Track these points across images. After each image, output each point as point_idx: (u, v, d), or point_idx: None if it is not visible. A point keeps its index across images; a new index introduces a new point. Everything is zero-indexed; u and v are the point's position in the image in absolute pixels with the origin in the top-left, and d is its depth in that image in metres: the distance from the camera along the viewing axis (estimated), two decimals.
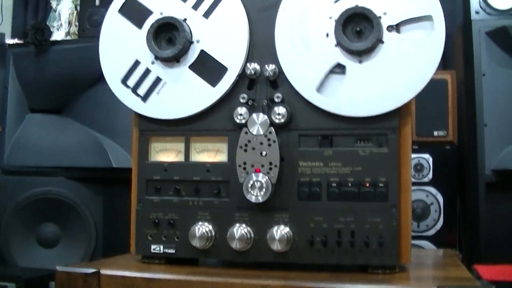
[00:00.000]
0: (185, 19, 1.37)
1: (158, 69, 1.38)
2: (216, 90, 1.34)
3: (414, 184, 2.61)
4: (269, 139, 1.29)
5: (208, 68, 1.35)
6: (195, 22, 1.37)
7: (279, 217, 1.31)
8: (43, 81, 2.84)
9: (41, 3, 4.04)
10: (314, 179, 1.30)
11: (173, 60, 1.36)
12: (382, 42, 1.26)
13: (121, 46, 1.41)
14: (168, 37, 1.37)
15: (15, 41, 3.05)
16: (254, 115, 1.30)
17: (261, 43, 1.34)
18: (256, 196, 1.28)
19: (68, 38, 3.00)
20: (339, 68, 1.29)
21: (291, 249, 1.29)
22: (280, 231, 1.29)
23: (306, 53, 1.29)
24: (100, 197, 2.80)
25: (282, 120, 1.30)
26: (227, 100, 1.34)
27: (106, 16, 1.43)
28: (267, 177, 1.28)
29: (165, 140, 1.39)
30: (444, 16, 1.26)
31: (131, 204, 1.40)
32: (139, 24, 1.40)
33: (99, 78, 2.64)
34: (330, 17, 1.29)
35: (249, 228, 1.31)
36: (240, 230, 1.30)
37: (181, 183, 1.37)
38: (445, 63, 3.13)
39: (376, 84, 1.26)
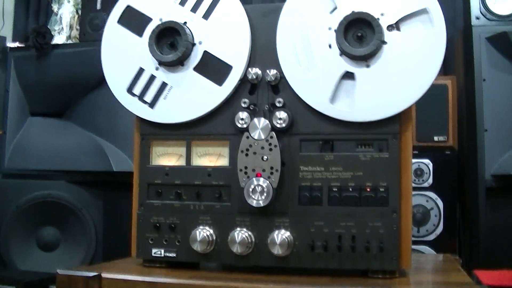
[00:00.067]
0: (185, 23, 1.37)
1: (162, 75, 1.38)
2: (223, 89, 1.35)
3: (414, 189, 2.60)
4: (270, 144, 1.30)
5: (213, 68, 1.36)
6: (195, 24, 1.38)
7: (280, 221, 1.31)
8: (44, 84, 2.84)
9: (43, 6, 4.05)
10: (315, 184, 1.31)
11: (177, 64, 1.37)
12: (385, 42, 1.27)
13: (123, 56, 1.41)
14: (170, 42, 1.38)
15: (17, 44, 3.06)
16: (255, 119, 1.31)
17: (263, 48, 1.35)
18: (257, 200, 1.29)
19: (69, 42, 3.00)
20: (347, 76, 1.29)
21: (291, 253, 1.30)
22: (281, 235, 1.29)
23: (313, 69, 1.30)
24: (100, 201, 2.80)
25: (283, 125, 1.30)
26: (229, 105, 1.35)
27: (105, 28, 1.44)
28: (268, 182, 1.29)
29: (167, 144, 1.40)
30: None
31: (132, 208, 1.41)
32: (139, 32, 1.41)
33: (100, 82, 2.65)
34: (330, 28, 1.30)
35: (250, 232, 1.32)
36: (241, 234, 1.31)
37: (182, 187, 1.37)
38: (445, 69, 3.13)
39: (381, 88, 1.27)
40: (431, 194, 2.78)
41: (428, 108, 2.81)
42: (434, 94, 2.81)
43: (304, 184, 1.31)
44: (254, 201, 1.29)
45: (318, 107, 1.29)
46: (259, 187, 1.28)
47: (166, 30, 1.37)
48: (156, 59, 1.37)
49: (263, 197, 1.28)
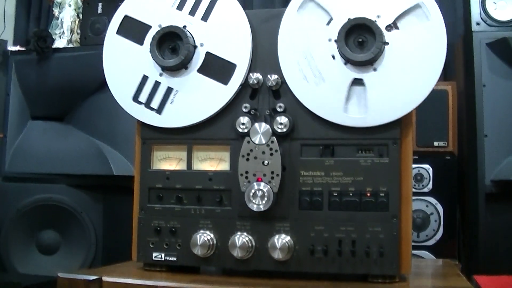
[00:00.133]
0: (184, 26, 1.38)
1: (167, 80, 1.39)
2: (229, 88, 1.35)
3: (414, 194, 2.59)
4: (271, 149, 1.30)
5: (217, 68, 1.37)
6: (195, 27, 1.38)
7: (280, 225, 1.31)
8: (45, 88, 2.84)
9: (44, 10, 4.06)
10: (315, 189, 1.31)
11: (181, 68, 1.37)
12: (387, 43, 1.28)
13: (126, 66, 1.42)
14: (172, 47, 1.38)
15: (18, 48, 3.05)
16: (256, 124, 1.31)
17: (264, 53, 1.35)
18: (257, 204, 1.29)
19: (70, 45, 3.00)
20: (355, 82, 1.30)
21: (292, 257, 1.30)
22: (281, 239, 1.29)
23: (321, 83, 1.30)
24: (101, 205, 2.79)
25: (284, 130, 1.31)
26: (230, 110, 1.35)
27: (105, 39, 1.45)
28: (268, 186, 1.29)
29: (168, 148, 1.40)
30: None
31: (132, 212, 1.41)
32: (139, 40, 1.42)
33: (101, 86, 2.65)
34: (329, 39, 1.31)
35: (250, 237, 1.32)
36: (241, 238, 1.31)
37: (183, 191, 1.38)
38: (446, 74, 3.13)
39: (391, 89, 1.28)
40: (431, 199, 2.78)
41: (428, 113, 2.81)
42: (434, 99, 2.81)
43: (304, 189, 1.31)
44: (255, 206, 1.29)
45: (333, 119, 1.30)
46: (260, 192, 1.29)
47: (166, 35, 1.38)
48: (159, 65, 1.38)
49: (263, 202, 1.29)
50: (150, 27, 1.41)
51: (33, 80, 2.87)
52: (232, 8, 1.38)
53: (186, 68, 1.38)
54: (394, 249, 1.26)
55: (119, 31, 1.44)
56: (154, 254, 1.38)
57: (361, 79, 1.29)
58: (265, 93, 1.34)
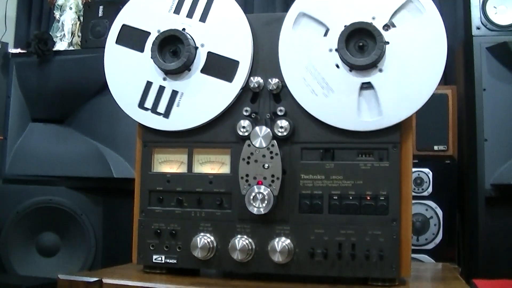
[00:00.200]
0: (183, 29, 1.39)
1: (171, 83, 1.39)
2: (234, 85, 1.36)
3: (413, 198, 2.60)
4: (271, 152, 1.30)
5: (220, 67, 1.37)
6: (194, 29, 1.39)
7: (281, 229, 1.32)
8: (46, 90, 2.84)
9: (44, 13, 4.05)
10: (315, 192, 1.31)
11: (184, 70, 1.38)
12: (387, 42, 1.28)
13: (129, 74, 1.43)
14: (172, 50, 1.39)
15: (18, 50, 3.05)
16: (257, 128, 1.32)
17: (265, 57, 1.36)
18: (258, 207, 1.29)
19: (71, 48, 3.00)
20: (363, 87, 1.31)
21: (292, 260, 1.30)
22: (281, 242, 1.30)
23: (330, 94, 1.31)
24: (101, 207, 2.79)
25: (285, 133, 1.31)
26: (231, 113, 1.36)
27: (105, 51, 1.45)
28: (269, 189, 1.29)
29: (168, 151, 1.41)
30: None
31: (133, 214, 1.41)
32: (140, 48, 1.42)
33: (101, 88, 2.65)
34: (330, 50, 1.31)
35: (250, 240, 1.32)
36: (241, 241, 1.31)
37: (183, 194, 1.38)
38: (446, 78, 3.14)
39: (399, 88, 1.28)
40: (431, 203, 2.78)
41: (429, 117, 2.81)
42: (434, 103, 2.81)
43: (304, 192, 1.32)
44: (255, 209, 1.29)
45: (348, 127, 1.31)
46: (260, 195, 1.29)
47: (166, 39, 1.39)
48: (162, 69, 1.38)
49: (263, 205, 1.29)
50: (149, 33, 1.42)
51: (34, 82, 2.87)
52: (229, 7, 1.39)
53: (189, 70, 1.38)
54: (394, 252, 1.27)
55: (119, 41, 1.44)
56: (154, 257, 1.38)
57: (369, 82, 1.29)
58: (266, 96, 1.35)
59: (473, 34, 2.62)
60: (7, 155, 2.89)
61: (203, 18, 1.40)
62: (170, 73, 1.39)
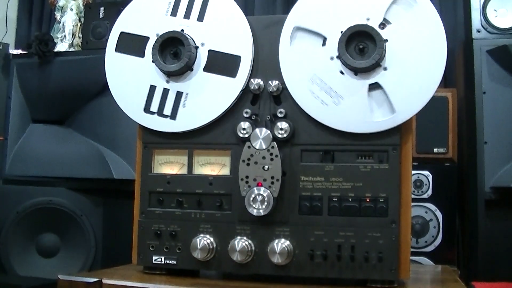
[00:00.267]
0: (182, 30, 1.39)
1: (175, 85, 1.39)
2: (238, 80, 1.37)
3: (413, 200, 2.59)
4: (271, 154, 1.31)
5: (222, 64, 1.38)
6: (192, 29, 1.40)
7: (280, 230, 1.32)
8: (46, 91, 2.84)
9: (45, 14, 4.06)
10: (315, 194, 1.32)
11: (187, 70, 1.38)
12: (386, 40, 1.28)
13: (131, 80, 1.43)
14: (173, 52, 1.39)
15: (19, 51, 3.05)
16: (257, 129, 1.32)
17: (265, 59, 1.36)
18: (257, 209, 1.30)
19: (72, 49, 3.01)
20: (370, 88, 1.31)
21: (291, 262, 1.30)
22: (281, 244, 1.30)
23: (340, 102, 1.31)
24: (101, 208, 2.79)
25: (285, 135, 1.31)
26: (231, 115, 1.36)
27: (106, 60, 1.46)
28: (269, 191, 1.30)
29: (169, 153, 1.41)
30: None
31: (133, 215, 1.42)
32: (140, 53, 1.43)
33: (102, 90, 2.66)
34: (331, 58, 1.32)
35: (250, 241, 1.33)
36: (241, 242, 1.32)
37: (183, 196, 1.38)
38: (446, 81, 3.14)
39: (406, 83, 1.29)
40: (430, 206, 2.78)
41: (428, 120, 2.81)
42: (434, 106, 2.81)
43: (304, 194, 1.32)
44: (255, 210, 1.30)
45: (363, 130, 1.31)
46: (260, 196, 1.29)
47: (166, 42, 1.39)
48: (165, 72, 1.39)
49: (263, 206, 1.29)
50: (148, 38, 1.42)
51: (35, 83, 2.87)
52: (225, 4, 1.40)
53: (191, 70, 1.39)
54: (393, 254, 1.27)
55: (118, 49, 1.45)
56: (154, 258, 1.38)
57: (375, 83, 1.30)
58: (266, 98, 1.35)
59: (473, 37, 2.63)
60: (7, 155, 2.89)
61: (200, 18, 1.40)
62: (173, 75, 1.39)
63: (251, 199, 1.30)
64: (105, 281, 1.28)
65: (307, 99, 1.32)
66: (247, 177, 1.32)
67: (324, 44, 1.33)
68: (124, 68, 1.44)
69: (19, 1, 4.12)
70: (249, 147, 1.32)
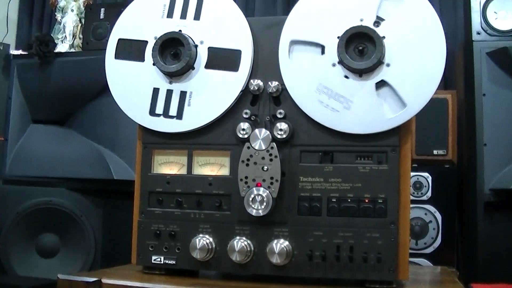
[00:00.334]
0: (180, 30, 1.39)
1: (178, 85, 1.40)
2: (240, 73, 1.37)
3: (412, 202, 2.61)
4: (270, 154, 1.31)
5: (223, 59, 1.38)
6: (190, 28, 1.40)
7: (279, 230, 1.32)
8: (46, 92, 2.85)
9: (46, 15, 4.06)
10: (314, 194, 1.32)
11: (188, 69, 1.39)
12: (384, 37, 1.29)
13: (134, 85, 1.43)
14: (173, 53, 1.40)
15: (20, 52, 3.06)
16: (256, 130, 1.32)
17: (265, 60, 1.37)
18: (257, 209, 1.30)
19: (72, 50, 3.01)
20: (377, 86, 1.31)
21: (290, 262, 1.31)
22: (280, 244, 1.30)
23: (351, 106, 1.31)
24: (100, 209, 2.80)
25: (284, 136, 1.31)
26: (231, 115, 1.36)
27: (106, 67, 1.46)
28: (268, 191, 1.30)
29: (168, 153, 1.41)
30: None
31: (132, 215, 1.42)
32: (140, 58, 1.43)
33: (102, 90, 2.66)
34: (334, 64, 1.32)
35: (249, 241, 1.33)
36: (240, 243, 1.32)
37: (183, 196, 1.38)
38: (446, 83, 3.15)
39: (412, 76, 1.29)
40: (430, 207, 2.78)
41: (428, 121, 2.82)
42: (434, 108, 2.82)
43: (303, 195, 1.32)
44: (254, 211, 1.30)
45: (378, 129, 1.30)
46: (259, 197, 1.29)
47: (165, 43, 1.40)
48: (167, 73, 1.39)
49: (262, 207, 1.29)
50: (146, 42, 1.43)
51: (35, 84, 2.88)
52: (220, 0, 1.41)
53: (193, 68, 1.39)
54: (392, 255, 1.27)
55: (117, 55, 1.45)
56: (154, 257, 1.39)
57: (381, 80, 1.30)
58: (266, 99, 1.35)
59: (473, 39, 2.63)
60: (7, 156, 2.90)
61: (197, 17, 1.41)
62: (175, 75, 1.39)
63: (250, 199, 1.30)
64: (104, 281, 1.28)
65: (318, 111, 1.32)
66: (246, 177, 1.32)
67: (323, 52, 1.33)
68: (125, 74, 1.44)
69: (20, 1, 4.12)
70: (248, 147, 1.32)
